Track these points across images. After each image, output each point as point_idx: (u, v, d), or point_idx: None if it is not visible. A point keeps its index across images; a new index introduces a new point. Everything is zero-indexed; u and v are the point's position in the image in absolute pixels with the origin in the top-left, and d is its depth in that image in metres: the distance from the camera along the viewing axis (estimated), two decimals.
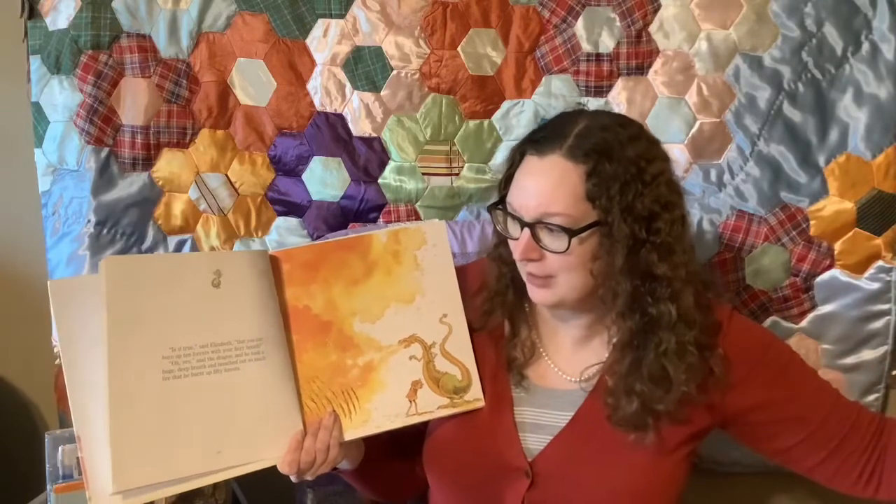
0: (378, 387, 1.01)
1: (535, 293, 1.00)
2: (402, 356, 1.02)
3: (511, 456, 1.02)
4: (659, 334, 0.95)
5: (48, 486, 1.20)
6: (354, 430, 1.00)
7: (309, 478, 0.99)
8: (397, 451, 1.14)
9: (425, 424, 1.09)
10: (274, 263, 1.00)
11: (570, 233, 0.92)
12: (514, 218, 0.97)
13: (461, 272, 1.10)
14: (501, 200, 1.00)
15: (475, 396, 1.04)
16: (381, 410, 1.01)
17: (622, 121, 1.00)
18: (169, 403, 0.90)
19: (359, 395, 1.00)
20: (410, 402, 1.01)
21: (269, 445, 0.96)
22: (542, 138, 0.97)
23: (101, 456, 0.87)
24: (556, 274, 0.96)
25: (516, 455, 1.02)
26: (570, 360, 1.06)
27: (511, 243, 1.00)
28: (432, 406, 1.01)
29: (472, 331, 1.07)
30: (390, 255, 1.02)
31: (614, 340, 1.01)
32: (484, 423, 1.05)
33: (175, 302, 0.91)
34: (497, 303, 1.08)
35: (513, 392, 1.06)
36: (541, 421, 1.03)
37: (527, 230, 0.95)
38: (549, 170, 0.94)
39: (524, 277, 1.01)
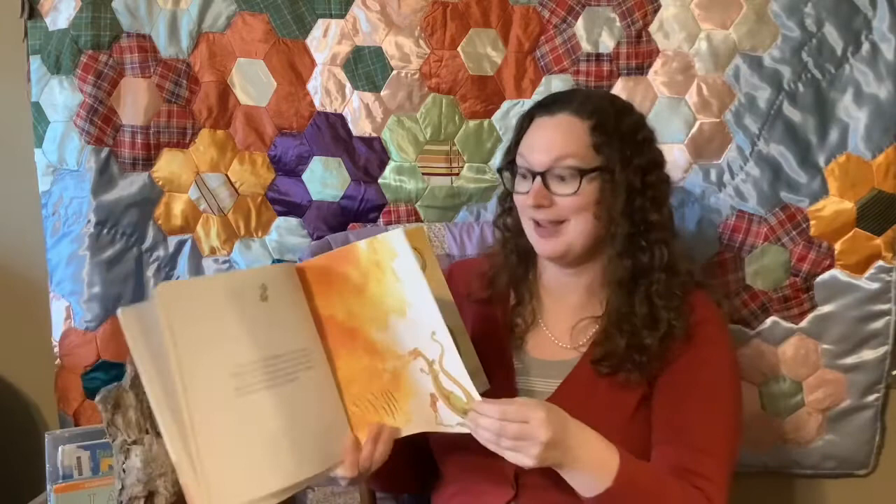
0: (409, 392, 1.01)
1: (542, 245, 1.08)
2: (414, 368, 1.01)
3: None
4: (651, 276, 1.06)
5: (48, 486, 1.20)
6: (401, 428, 1.01)
7: (362, 481, 1.00)
8: (402, 443, 1.15)
9: None
10: (300, 275, 1.01)
11: (581, 172, 1.03)
12: (525, 172, 1.07)
13: (468, 262, 1.21)
14: (511, 163, 1.10)
15: None
16: (418, 413, 1.01)
17: (615, 97, 1.19)
18: (244, 421, 0.90)
19: (396, 398, 1.00)
20: (434, 412, 1.01)
21: (328, 453, 0.97)
22: (551, 102, 1.11)
23: (198, 479, 0.86)
24: (565, 218, 1.05)
25: None
26: (567, 328, 1.12)
27: (520, 200, 1.09)
28: (451, 422, 1.01)
29: (478, 306, 1.15)
30: (374, 265, 1.01)
31: (607, 280, 1.08)
32: (489, 393, 1.08)
33: (230, 320, 0.91)
34: (502, 268, 1.15)
35: (514, 362, 1.13)
36: (537, 388, 1.11)
37: (538, 179, 1.05)
38: (559, 124, 1.07)
39: (531, 233, 1.09)
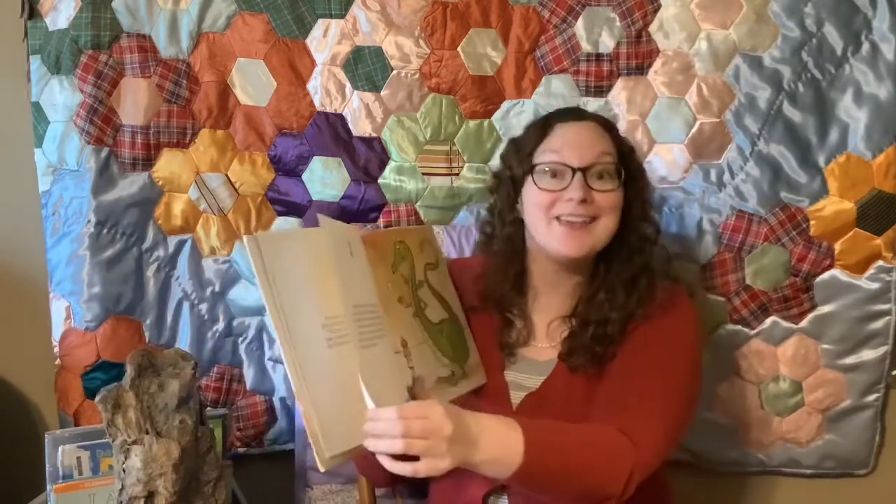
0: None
1: (568, 243, 1.10)
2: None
3: (502, 412, 1.05)
4: (638, 274, 1.13)
5: (48, 486, 1.20)
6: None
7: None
8: None
9: None
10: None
11: (619, 171, 1.11)
12: (559, 169, 1.10)
13: (462, 262, 1.27)
14: (531, 168, 1.13)
15: None
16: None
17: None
18: (337, 370, 0.92)
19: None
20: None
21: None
22: (572, 111, 1.22)
23: (317, 418, 0.88)
24: (601, 214, 1.10)
25: (506, 411, 1.10)
26: (548, 326, 1.18)
27: (546, 198, 1.10)
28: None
29: (470, 312, 1.19)
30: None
31: (601, 284, 1.14)
32: (482, 387, 1.16)
33: (328, 272, 0.94)
34: (502, 280, 1.18)
35: (504, 361, 1.18)
36: (523, 382, 1.16)
37: (579, 174, 1.09)
38: (590, 128, 1.15)
39: (552, 231, 1.10)
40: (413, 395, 1.00)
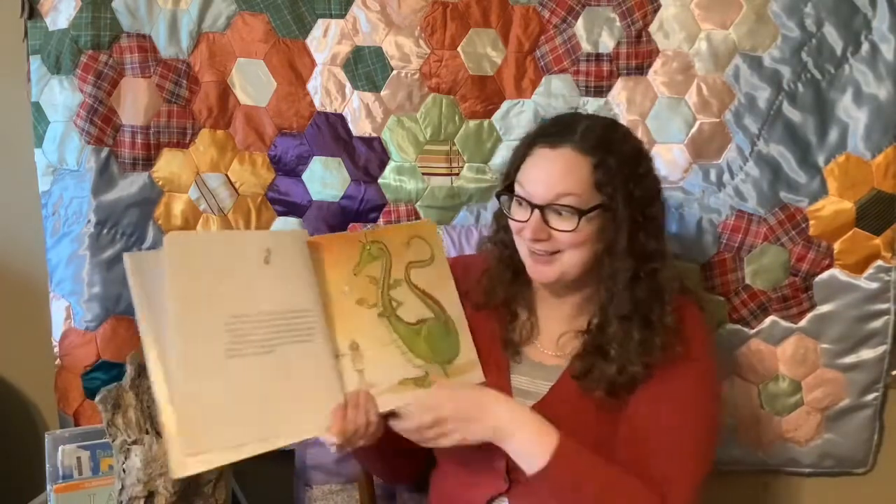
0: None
1: (536, 270, 1.08)
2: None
3: None
4: (649, 305, 1.06)
5: (48, 486, 1.20)
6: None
7: (349, 448, 1.02)
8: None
9: None
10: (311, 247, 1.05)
11: (580, 212, 1.02)
12: (523, 202, 1.06)
13: (465, 260, 1.25)
14: (509, 188, 1.09)
15: None
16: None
17: (615, 123, 1.16)
18: (233, 369, 0.93)
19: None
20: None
21: (317, 417, 0.99)
22: (554, 132, 1.08)
23: (175, 419, 0.90)
24: (562, 250, 1.05)
25: None
26: (558, 338, 1.14)
27: (515, 226, 1.09)
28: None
29: (475, 310, 1.16)
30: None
31: (609, 312, 1.08)
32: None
33: (232, 274, 0.97)
34: (498, 285, 1.16)
35: (509, 362, 1.16)
36: (529, 388, 1.13)
37: (536, 212, 1.04)
38: (560, 158, 1.05)
39: (525, 257, 1.09)
40: (356, 397, 1.01)
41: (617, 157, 1.04)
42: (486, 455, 1.07)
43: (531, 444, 1.01)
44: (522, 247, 1.10)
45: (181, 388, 0.90)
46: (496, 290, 1.17)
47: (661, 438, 1.04)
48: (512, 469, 1.07)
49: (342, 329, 1.04)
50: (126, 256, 0.94)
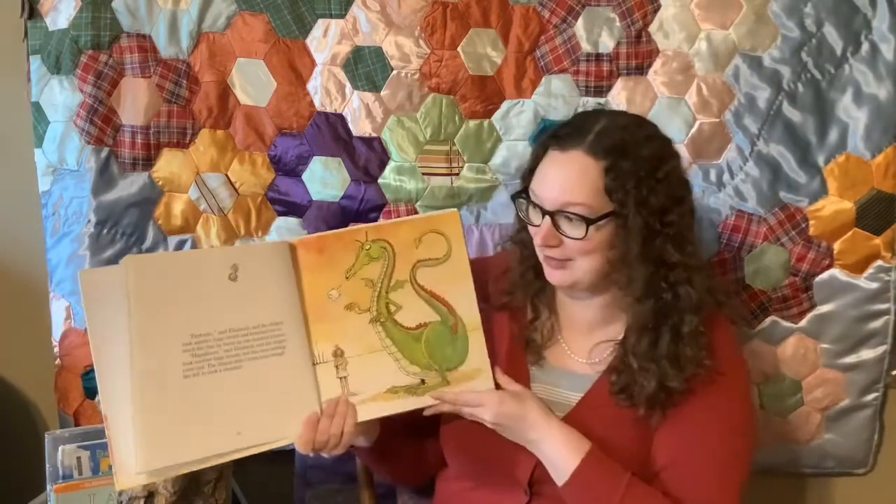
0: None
1: (551, 274, 1.07)
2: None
3: None
4: (675, 317, 1.03)
5: (48, 486, 1.20)
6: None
7: (325, 455, 1.01)
8: (410, 432, 1.16)
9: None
10: (292, 252, 1.04)
11: (588, 221, 1.00)
12: (536, 206, 1.04)
13: (484, 261, 1.22)
14: (525, 190, 1.07)
15: None
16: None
17: (639, 121, 1.10)
18: (190, 388, 0.94)
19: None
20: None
21: (287, 425, 0.99)
22: (565, 134, 1.04)
23: (126, 436, 0.92)
24: (573, 257, 1.03)
25: None
26: (584, 343, 1.11)
27: (531, 229, 1.07)
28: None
29: (495, 311, 1.14)
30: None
31: (629, 323, 1.06)
32: None
33: (193, 294, 0.97)
34: (518, 284, 1.14)
35: (529, 369, 1.12)
36: (553, 398, 1.09)
37: (548, 218, 1.02)
38: (570, 163, 1.01)
39: (542, 260, 1.08)
40: (333, 406, 1.00)
41: (632, 160, 0.99)
42: (507, 465, 1.06)
43: (561, 456, 1.01)
44: (539, 251, 1.08)
45: (134, 414, 0.91)
46: (517, 290, 1.14)
47: (702, 460, 1.02)
48: (535, 482, 1.06)
49: (325, 336, 1.02)
50: (81, 274, 0.95)
